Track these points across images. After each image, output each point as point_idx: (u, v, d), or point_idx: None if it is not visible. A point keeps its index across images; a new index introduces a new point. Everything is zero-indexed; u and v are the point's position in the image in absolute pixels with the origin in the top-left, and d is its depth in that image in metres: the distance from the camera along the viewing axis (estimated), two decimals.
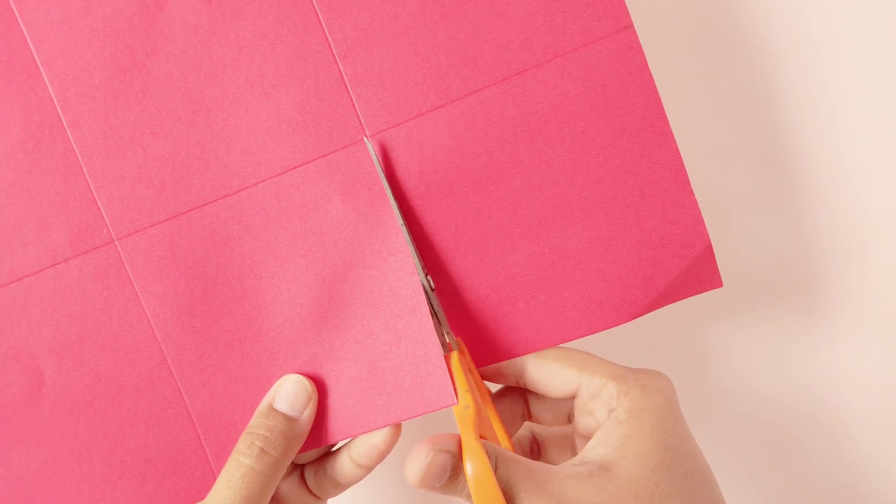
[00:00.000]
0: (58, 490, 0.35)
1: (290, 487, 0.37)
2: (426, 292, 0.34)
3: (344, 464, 0.35)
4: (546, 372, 0.35)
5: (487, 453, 0.30)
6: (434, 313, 0.34)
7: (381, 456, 0.35)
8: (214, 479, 0.35)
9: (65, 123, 0.35)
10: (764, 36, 0.44)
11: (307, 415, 0.34)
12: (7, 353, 0.35)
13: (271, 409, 0.34)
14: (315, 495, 0.37)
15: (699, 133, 0.44)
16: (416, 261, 0.34)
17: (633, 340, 0.45)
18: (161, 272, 0.35)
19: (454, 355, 0.34)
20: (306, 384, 0.34)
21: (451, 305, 0.36)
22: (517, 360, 0.35)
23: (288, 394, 0.34)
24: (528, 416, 0.38)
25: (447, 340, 0.35)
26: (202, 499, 0.34)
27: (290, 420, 0.33)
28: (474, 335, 0.36)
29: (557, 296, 0.35)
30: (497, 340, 0.35)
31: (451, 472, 0.30)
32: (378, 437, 0.34)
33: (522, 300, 0.35)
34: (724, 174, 0.45)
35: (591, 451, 0.32)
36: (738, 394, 0.46)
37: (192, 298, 0.35)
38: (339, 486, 0.36)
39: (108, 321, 0.35)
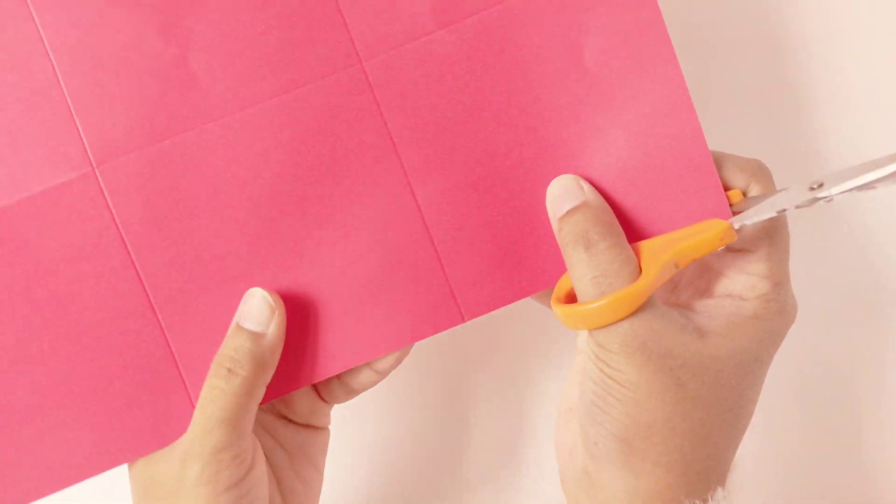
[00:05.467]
0: (31, 430, 0.34)
1: (299, 392, 0.36)
2: None
3: (361, 370, 0.35)
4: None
5: None
6: None
7: (399, 359, 0.35)
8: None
9: (49, 52, 0.34)
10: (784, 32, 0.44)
11: (273, 329, 0.33)
12: None
13: (238, 328, 0.33)
14: (324, 400, 0.37)
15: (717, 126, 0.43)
16: None
17: None
18: (140, 199, 0.34)
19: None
20: (267, 297, 0.33)
21: (449, 250, 0.35)
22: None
23: (251, 310, 0.33)
24: None
25: None
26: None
27: (255, 336, 0.33)
28: (470, 279, 0.35)
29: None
30: (495, 284, 0.35)
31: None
32: None
33: (521, 236, 0.35)
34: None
35: (700, 314, 0.33)
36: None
37: (173, 226, 0.34)
38: (353, 393, 0.36)
39: (84, 252, 0.34)
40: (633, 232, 0.34)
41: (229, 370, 0.32)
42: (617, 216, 0.34)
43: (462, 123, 0.34)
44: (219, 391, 0.32)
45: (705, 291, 0.34)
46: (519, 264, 0.34)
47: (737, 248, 0.33)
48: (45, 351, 0.34)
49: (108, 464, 0.33)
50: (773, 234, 0.33)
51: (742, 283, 0.33)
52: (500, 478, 0.45)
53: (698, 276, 0.36)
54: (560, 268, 0.34)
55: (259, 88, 0.34)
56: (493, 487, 0.45)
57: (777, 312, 0.33)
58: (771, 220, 0.32)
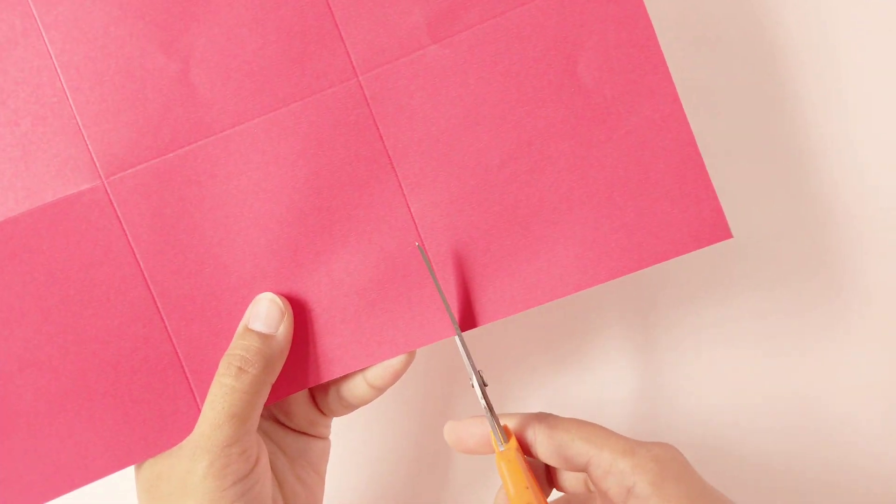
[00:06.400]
0: (39, 431, 0.35)
1: (298, 403, 0.38)
2: (478, 387, 0.34)
3: (357, 385, 0.36)
4: (557, 443, 0.34)
5: None
6: (489, 407, 0.34)
7: (396, 376, 0.36)
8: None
9: (57, 67, 0.35)
10: (778, 36, 0.43)
11: (282, 330, 0.35)
12: None
13: (247, 330, 0.34)
14: (322, 412, 0.38)
15: (711, 129, 0.43)
16: (466, 358, 0.34)
17: (632, 349, 0.45)
18: (148, 210, 0.35)
19: (511, 452, 0.33)
20: (278, 301, 0.35)
21: (440, 258, 0.35)
22: (531, 433, 0.35)
23: (261, 312, 0.35)
24: (552, 482, 0.38)
25: (500, 429, 0.34)
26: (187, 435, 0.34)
27: (265, 337, 0.34)
28: (464, 292, 0.35)
29: (550, 247, 0.35)
30: (487, 298, 0.35)
31: None
32: (395, 359, 0.35)
33: (514, 250, 0.35)
34: (736, 169, 0.44)
35: None
36: (741, 404, 0.46)
37: (179, 237, 0.35)
38: (350, 407, 0.37)
39: (94, 260, 0.35)
40: (631, 246, 0.34)
41: (240, 368, 0.33)
42: (614, 231, 0.34)
43: (457, 136, 0.35)
44: (229, 388, 0.33)
45: None
46: (511, 278, 0.35)
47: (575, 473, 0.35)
48: (54, 356, 0.35)
49: (116, 465, 0.35)
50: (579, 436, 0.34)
51: (610, 485, 0.33)
52: (485, 484, 0.46)
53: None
54: (555, 284, 0.35)
55: (258, 102, 0.35)
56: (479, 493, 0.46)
57: (657, 468, 0.32)
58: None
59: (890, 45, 0.43)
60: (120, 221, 0.35)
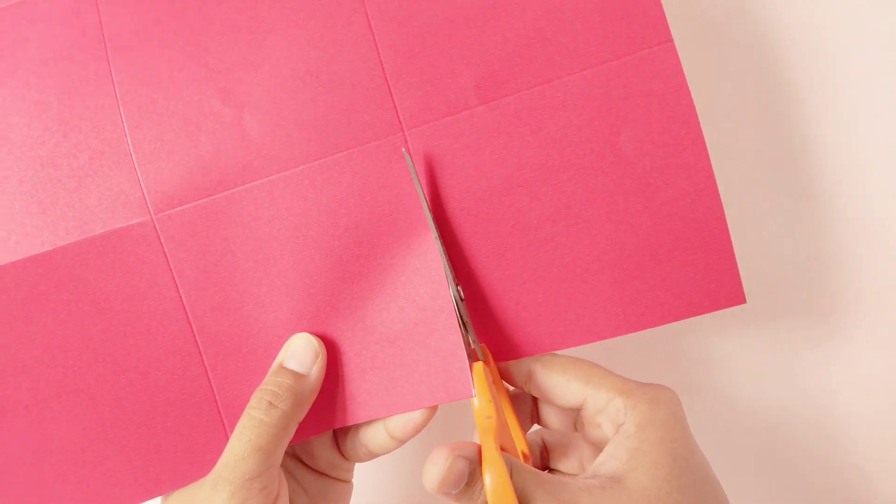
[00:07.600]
0: (72, 456, 0.36)
1: (322, 445, 0.38)
2: (455, 301, 0.35)
3: (378, 434, 0.37)
4: (553, 383, 0.35)
5: (504, 463, 0.31)
6: (462, 322, 0.35)
7: (417, 430, 0.36)
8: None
9: (120, 106, 0.37)
10: (779, 40, 0.44)
11: (315, 371, 0.35)
12: (39, 324, 0.37)
13: (281, 368, 0.35)
14: (345, 457, 0.38)
15: (714, 141, 0.43)
16: (447, 267, 0.35)
17: (639, 348, 0.45)
18: (194, 247, 0.36)
19: (479, 366, 0.34)
20: (313, 342, 0.36)
21: (475, 303, 0.36)
22: (525, 366, 0.36)
23: (296, 352, 0.36)
24: (537, 418, 0.39)
25: (473, 348, 0.35)
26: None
27: (298, 376, 0.35)
28: (495, 334, 0.36)
29: (579, 301, 0.36)
30: (517, 339, 0.36)
31: (468, 479, 0.32)
32: (416, 412, 0.36)
33: (546, 301, 0.36)
34: (740, 182, 0.45)
35: (602, 465, 0.33)
36: (744, 404, 0.46)
37: (221, 275, 0.36)
38: (371, 455, 0.38)
39: (138, 293, 0.36)
40: (655, 305, 0.35)
41: (270, 403, 0.34)
42: (640, 291, 0.36)
43: (497, 196, 0.36)
44: (257, 421, 0.33)
45: (591, 444, 0.35)
46: (542, 326, 0.36)
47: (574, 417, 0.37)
48: (92, 384, 0.36)
49: (145, 495, 0.36)
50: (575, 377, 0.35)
51: (602, 421, 0.34)
52: None
53: (570, 447, 0.37)
54: (583, 332, 0.36)
55: (305, 150, 0.36)
56: None
57: (648, 409, 0.33)
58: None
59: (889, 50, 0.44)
60: (166, 256, 0.36)
